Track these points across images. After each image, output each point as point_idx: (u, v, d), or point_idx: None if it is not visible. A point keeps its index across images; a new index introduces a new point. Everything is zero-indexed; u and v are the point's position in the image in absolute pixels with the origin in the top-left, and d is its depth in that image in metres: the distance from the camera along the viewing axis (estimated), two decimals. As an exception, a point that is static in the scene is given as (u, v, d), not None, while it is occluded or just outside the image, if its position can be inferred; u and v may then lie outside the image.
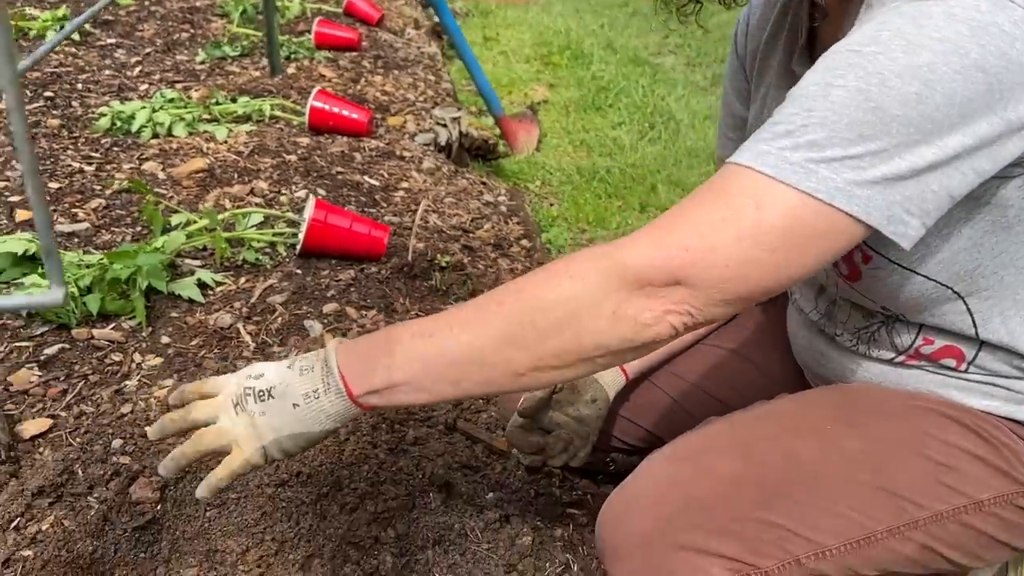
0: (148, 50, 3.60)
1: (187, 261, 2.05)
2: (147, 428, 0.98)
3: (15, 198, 2.27)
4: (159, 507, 1.37)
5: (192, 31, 3.84)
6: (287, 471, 1.42)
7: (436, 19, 4.09)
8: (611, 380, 1.38)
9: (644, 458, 1.51)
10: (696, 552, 0.98)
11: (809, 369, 1.30)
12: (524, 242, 2.54)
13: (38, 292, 1.75)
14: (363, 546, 1.22)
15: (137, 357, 1.73)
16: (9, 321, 1.79)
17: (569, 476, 1.51)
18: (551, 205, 3.01)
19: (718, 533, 0.98)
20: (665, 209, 2.95)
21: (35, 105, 2.90)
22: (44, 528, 1.27)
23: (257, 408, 0.93)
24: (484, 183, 2.96)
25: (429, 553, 1.25)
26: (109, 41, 3.57)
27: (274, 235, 2.14)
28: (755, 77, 1.26)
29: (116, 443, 1.41)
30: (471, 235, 2.45)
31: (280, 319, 1.84)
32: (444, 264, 2.15)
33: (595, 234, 2.79)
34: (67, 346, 1.73)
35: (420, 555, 1.24)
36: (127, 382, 1.64)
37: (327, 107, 2.80)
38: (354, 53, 3.75)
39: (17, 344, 1.72)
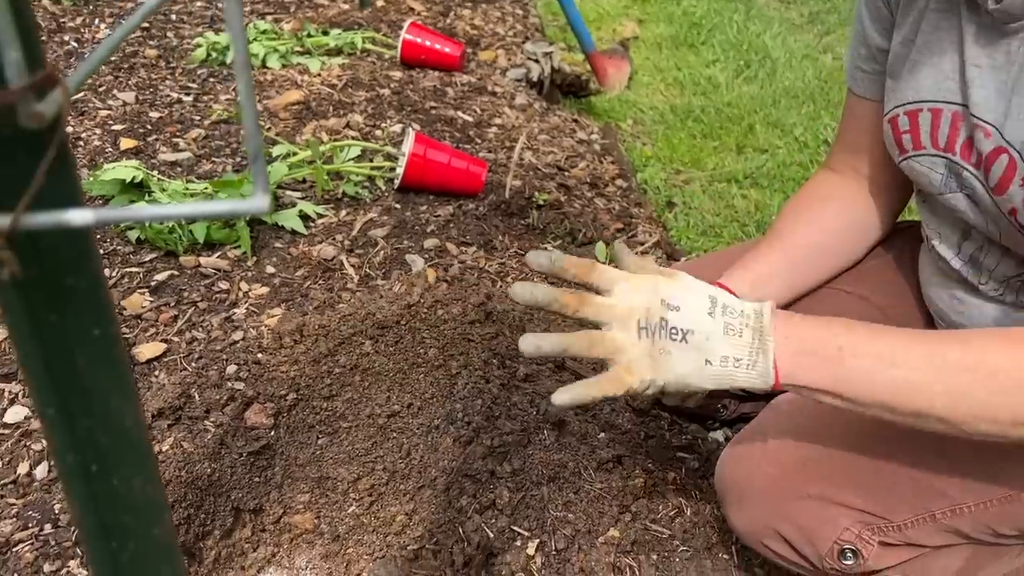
0: (238, -18, 3.59)
1: (288, 192, 2.05)
2: (513, 286, 0.88)
3: (119, 127, 2.30)
4: (272, 433, 1.38)
5: (280, -37, 3.81)
6: (399, 402, 1.41)
7: (525, -49, 3.98)
8: None
9: (755, 405, 1.47)
10: (825, 502, 0.95)
11: (944, 319, 1.23)
12: (620, 182, 2.48)
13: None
14: (479, 479, 1.22)
15: (244, 286, 1.74)
16: (119, 247, 1.81)
17: (678, 420, 1.48)
18: (644, 145, 2.93)
19: (849, 484, 0.95)
20: (763, 151, 2.86)
21: (132, 36, 2.92)
22: (165, 449, 1.29)
23: (668, 346, 0.85)
24: (576, 121, 2.89)
25: (544, 490, 1.24)
26: (200, -28, 3.57)
27: (372, 169, 2.13)
28: (901, 3, 1.18)
29: (230, 369, 1.43)
30: (566, 173, 2.40)
31: (382, 253, 1.84)
32: (541, 202, 2.11)
33: (691, 175, 2.71)
34: (176, 273, 1.75)
35: (535, 491, 1.23)
36: (236, 310, 1.66)
37: (420, 40, 2.75)
38: (442, -14, 3.68)
39: (128, 269, 1.75)
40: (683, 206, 2.51)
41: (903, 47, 1.16)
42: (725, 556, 1.27)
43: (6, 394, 1.42)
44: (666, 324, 0.85)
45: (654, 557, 1.23)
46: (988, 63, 0.97)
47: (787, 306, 1.38)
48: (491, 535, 1.15)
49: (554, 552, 1.19)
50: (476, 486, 1.21)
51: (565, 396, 0.88)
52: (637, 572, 1.20)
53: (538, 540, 1.19)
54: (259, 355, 1.45)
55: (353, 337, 1.43)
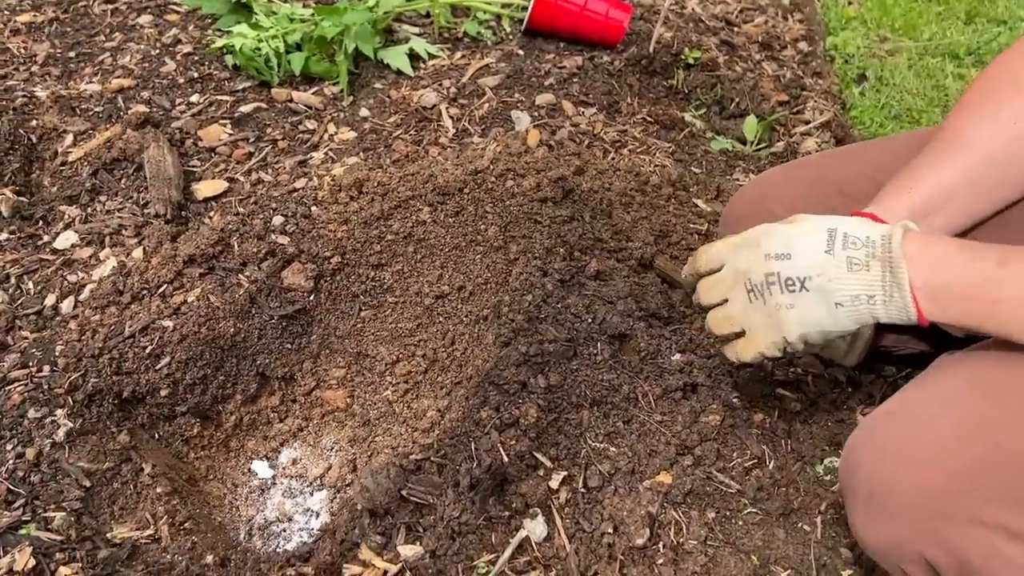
0: None
1: (405, 27, 1.83)
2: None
3: (251, -58, 2.15)
4: (311, 297, 1.24)
5: None
6: (449, 284, 1.22)
7: None
8: None
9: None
10: (1002, 532, 0.67)
11: None
12: (802, 45, 2.06)
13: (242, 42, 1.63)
14: (507, 390, 1.02)
15: (331, 128, 1.58)
16: (215, 72, 1.69)
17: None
18: (850, 3, 2.44)
19: None
20: (1000, 22, 2.30)
21: None
22: (190, 300, 1.18)
23: (784, 300, 0.79)
24: (769, -32, 2.44)
25: (584, 414, 1.02)
26: None
27: (502, 6, 1.86)
28: None
29: (277, 220, 1.28)
30: (735, 29, 2.01)
31: (487, 105, 1.60)
32: (692, 61, 1.77)
33: (899, 44, 2.23)
34: (264, 106, 1.61)
35: (572, 415, 1.02)
36: (314, 153, 1.50)
37: None
38: None
39: (217, 97, 1.62)
40: (877, 81, 2.07)
41: None
42: (806, 527, 1.02)
43: (64, 217, 1.35)
44: (778, 277, 0.79)
45: (711, 515, 1.00)
46: None
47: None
48: (506, 459, 0.96)
49: (583, 490, 0.98)
50: (502, 398, 1.01)
51: (722, 354, 0.90)
52: (684, 530, 0.98)
53: (565, 473, 0.99)
54: (312, 208, 1.30)
55: (411, 201, 1.24)
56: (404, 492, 0.95)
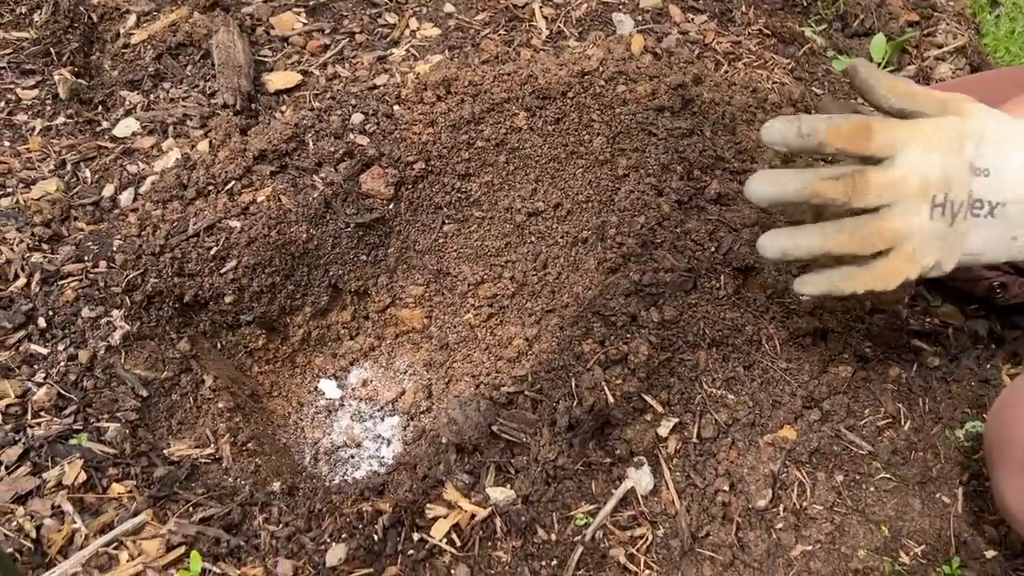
0: None
1: (494, -82, 1.67)
2: (749, 182, 0.71)
3: None
4: (391, 206, 1.12)
5: None
6: (544, 200, 1.09)
7: None
8: None
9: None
10: None
11: None
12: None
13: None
14: (615, 322, 0.89)
15: (413, 23, 1.44)
16: (289, -43, 1.55)
17: (926, 293, 1.06)
18: (979, -79, 2.19)
19: None
20: None
21: None
22: (259, 200, 1.07)
23: (968, 224, 0.69)
24: None
25: (701, 355, 0.89)
26: None
27: (603, -101, 1.68)
28: None
29: (356, 118, 1.16)
30: (860, -61, 1.81)
31: (585, 6, 1.44)
32: (815, -30, 1.59)
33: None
34: (342, -4, 1.48)
35: (687, 355, 0.89)
36: (394, 50, 1.36)
37: None
38: None
39: (291, -16, 1.49)
40: (1013, 8, 1.85)
41: None
42: (945, 499, 0.89)
43: (125, 103, 1.24)
44: (969, 196, 0.68)
45: (839, 478, 0.88)
46: None
47: None
48: (611, 399, 0.84)
49: (695, 441, 0.86)
50: (608, 331, 0.89)
51: (811, 287, 0.73)
52: (808, 493, 0.86)
53: (676, 420, 0.87)
54: (395, 107, 1.17)
55: (506, 104, 1.10)
56: (495, 428, 0.84)
